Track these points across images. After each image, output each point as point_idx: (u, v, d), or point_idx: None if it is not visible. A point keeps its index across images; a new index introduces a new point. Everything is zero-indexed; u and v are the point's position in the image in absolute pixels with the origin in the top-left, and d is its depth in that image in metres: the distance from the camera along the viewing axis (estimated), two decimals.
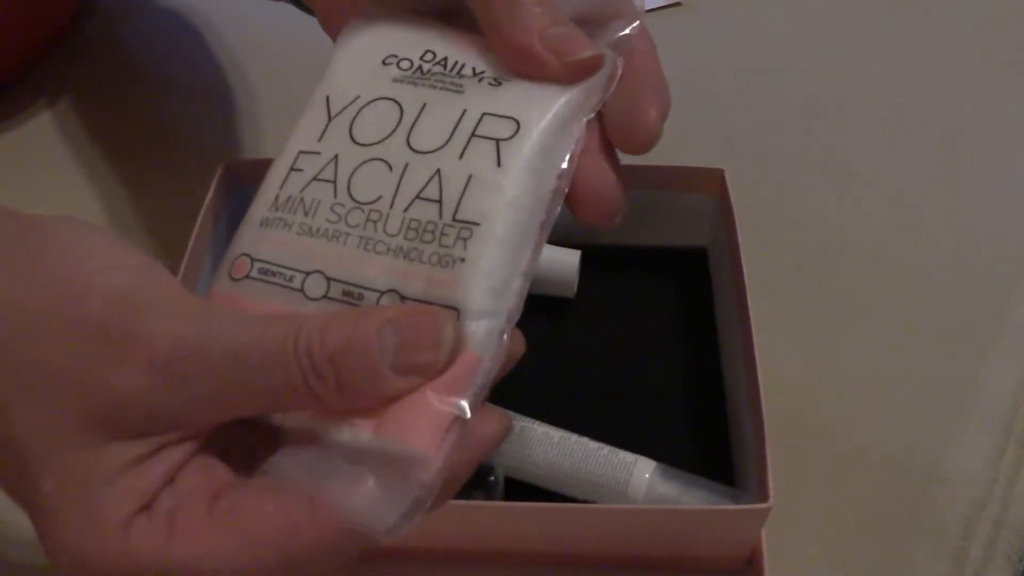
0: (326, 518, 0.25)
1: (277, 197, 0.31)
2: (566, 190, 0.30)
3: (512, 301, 0.29)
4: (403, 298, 0.28)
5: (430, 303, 0.28)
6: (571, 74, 0.31)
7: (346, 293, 0.29)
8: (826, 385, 0.48)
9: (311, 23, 0.44)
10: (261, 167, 0.48)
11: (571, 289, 0.49)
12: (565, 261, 0.49)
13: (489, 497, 0.41)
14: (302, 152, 0.32)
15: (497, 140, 0.30)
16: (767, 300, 0.42)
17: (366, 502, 0.25)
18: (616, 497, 0.40)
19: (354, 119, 0.32)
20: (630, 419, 0.45)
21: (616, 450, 0.41)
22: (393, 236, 0.29)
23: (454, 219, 0.29)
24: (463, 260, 0.28)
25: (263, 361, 0.26)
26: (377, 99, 0.32)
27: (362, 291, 0.29)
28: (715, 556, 0.40)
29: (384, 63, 0.33)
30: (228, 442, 0.28)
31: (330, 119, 0.32)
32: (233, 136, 0.60)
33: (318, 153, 0.31)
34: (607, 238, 0.50)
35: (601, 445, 0.41)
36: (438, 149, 0.30)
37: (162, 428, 0.26)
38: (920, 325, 0.51)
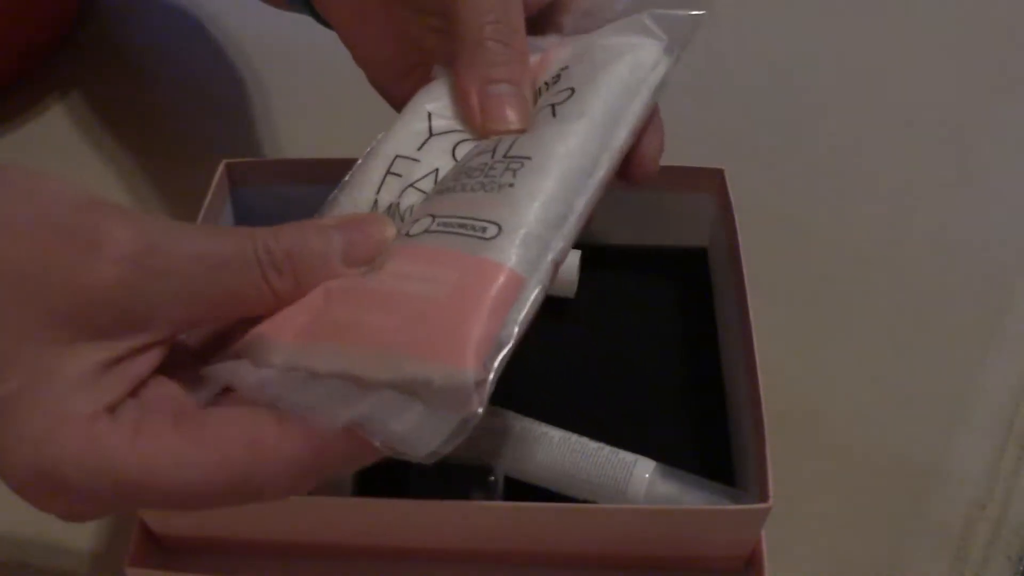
0: (294, 432, 0.26)
1: (376, 203, 0.32)
2: (620, 160, 0.31)
3: (565, 240, 0.29)
4: (434, 218, 0.29)
5: (465, 219, 0.28)
6: (487, 133, 0.33)
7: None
8: (826, 385, 0.48)
9: (312, 26, 0.44)
10: (261, 167, 0.49)
11: (571, 289, 0.49)
12: (565, 261, 0.49)
13: (489, 497, 0.41)
14: (399, 156, 0.33)
15: (553, 104, 0.32)
16: (767, 300, 0.42)
17: (411, 427, 0.25)
18: (616, 497, 0.40)
19: (457, 144, 0.33)
20: (630, 419, 0.45)
21: (616, 450, 0.41)
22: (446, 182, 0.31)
23: (504, 156, 0.30)
24: (511, 185, 0.28)
25: (225, 259, 0.27)
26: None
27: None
28: (715, 556, 0.40)
29: None
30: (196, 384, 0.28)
31: (431, 134, 0.33)
32: (233, 136, 0.60)
33: (417, 160, 0.32)
34: (607, 238, 0.50)
35: (601, 445, 0.41)
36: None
37: (130, 328, 0.26)
38: (920, 325, 0.51)
